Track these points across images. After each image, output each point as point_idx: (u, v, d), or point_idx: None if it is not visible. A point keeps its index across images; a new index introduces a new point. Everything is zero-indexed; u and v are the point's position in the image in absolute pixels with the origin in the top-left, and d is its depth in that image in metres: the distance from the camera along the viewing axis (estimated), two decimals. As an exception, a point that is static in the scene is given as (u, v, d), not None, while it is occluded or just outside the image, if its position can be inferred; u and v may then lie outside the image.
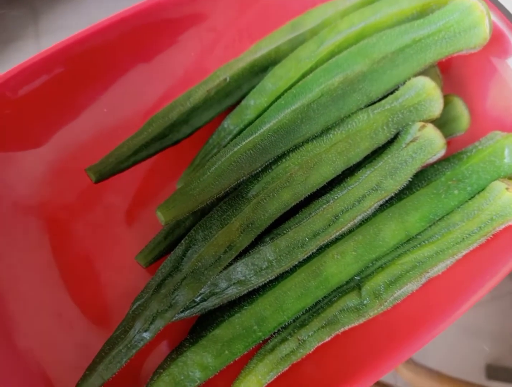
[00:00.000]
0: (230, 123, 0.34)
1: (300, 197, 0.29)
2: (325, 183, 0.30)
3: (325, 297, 0.30)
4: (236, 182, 0.29)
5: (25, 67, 0.33)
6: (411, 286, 0.31)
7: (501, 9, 0.40)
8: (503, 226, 0.32)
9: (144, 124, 0.33)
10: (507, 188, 0.32)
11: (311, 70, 0.34)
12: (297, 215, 0.31)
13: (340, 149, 0.30)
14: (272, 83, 0.34)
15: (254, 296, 0.30)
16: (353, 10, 0.37)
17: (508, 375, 0.37)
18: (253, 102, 0.34)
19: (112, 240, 0.35)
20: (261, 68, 0.35)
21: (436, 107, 0.32)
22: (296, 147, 0.30)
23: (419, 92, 0.32)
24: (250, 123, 0.33)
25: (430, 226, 0.32)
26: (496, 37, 0.39)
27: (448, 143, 0.36)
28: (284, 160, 0.30)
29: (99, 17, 0.34)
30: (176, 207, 0.28)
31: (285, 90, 0.33)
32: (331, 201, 0.30)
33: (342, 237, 0.31)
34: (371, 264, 0.31)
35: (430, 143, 0.32)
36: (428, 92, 0.32)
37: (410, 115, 0.32)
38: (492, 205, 0.32)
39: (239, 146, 0.29)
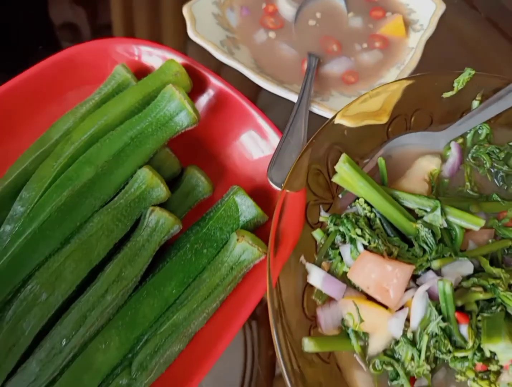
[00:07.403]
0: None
1: (50, 311, 0.34)
2: (75, 288, 0.35)
3: (100, 385, 0.35)
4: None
5: None
6: (177, 347, 0.36)
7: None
8: (244, 272, 0.38)
9: None
10: (238, 240, 0.38)
11: (50, 186, 0.38)
12: (56, 324, 0.35)
13: (77, 257, 0.35)
14: (21, 206, 0.38)
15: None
16: (88, 114, 0.42)
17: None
18: (8, 228, 0.37)
19: None
20: (14, 194, 0.39)
21: (160, 192, 0.38)
22: (38, 268, 0.34)
23: (140, 185, 0.37)
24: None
25: (185, 289, 0.38)
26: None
27: (200, 206, 0.42)
28: (28, 282, 0.34)
29: None
30: None
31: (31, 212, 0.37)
32: (79, 303, 0.34)
33: (102, 327, 0.35)
34: (138, 341, 0.36)
35: (161, 224, 0.37)
36: (148, 182, 0.37)
37: (140, 204, 0.37)
38: (230, 256, 0.38)
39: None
